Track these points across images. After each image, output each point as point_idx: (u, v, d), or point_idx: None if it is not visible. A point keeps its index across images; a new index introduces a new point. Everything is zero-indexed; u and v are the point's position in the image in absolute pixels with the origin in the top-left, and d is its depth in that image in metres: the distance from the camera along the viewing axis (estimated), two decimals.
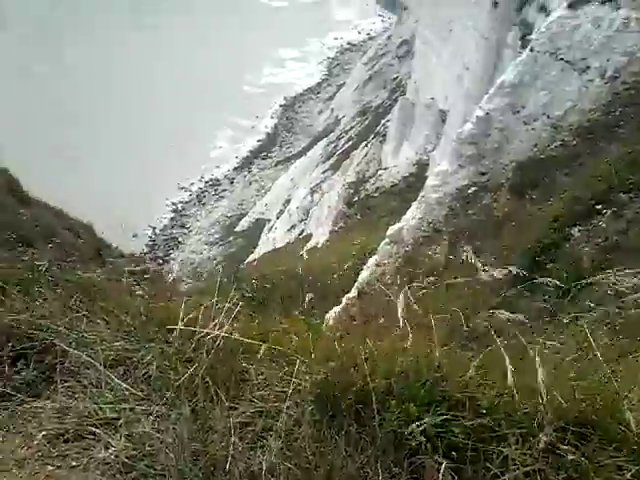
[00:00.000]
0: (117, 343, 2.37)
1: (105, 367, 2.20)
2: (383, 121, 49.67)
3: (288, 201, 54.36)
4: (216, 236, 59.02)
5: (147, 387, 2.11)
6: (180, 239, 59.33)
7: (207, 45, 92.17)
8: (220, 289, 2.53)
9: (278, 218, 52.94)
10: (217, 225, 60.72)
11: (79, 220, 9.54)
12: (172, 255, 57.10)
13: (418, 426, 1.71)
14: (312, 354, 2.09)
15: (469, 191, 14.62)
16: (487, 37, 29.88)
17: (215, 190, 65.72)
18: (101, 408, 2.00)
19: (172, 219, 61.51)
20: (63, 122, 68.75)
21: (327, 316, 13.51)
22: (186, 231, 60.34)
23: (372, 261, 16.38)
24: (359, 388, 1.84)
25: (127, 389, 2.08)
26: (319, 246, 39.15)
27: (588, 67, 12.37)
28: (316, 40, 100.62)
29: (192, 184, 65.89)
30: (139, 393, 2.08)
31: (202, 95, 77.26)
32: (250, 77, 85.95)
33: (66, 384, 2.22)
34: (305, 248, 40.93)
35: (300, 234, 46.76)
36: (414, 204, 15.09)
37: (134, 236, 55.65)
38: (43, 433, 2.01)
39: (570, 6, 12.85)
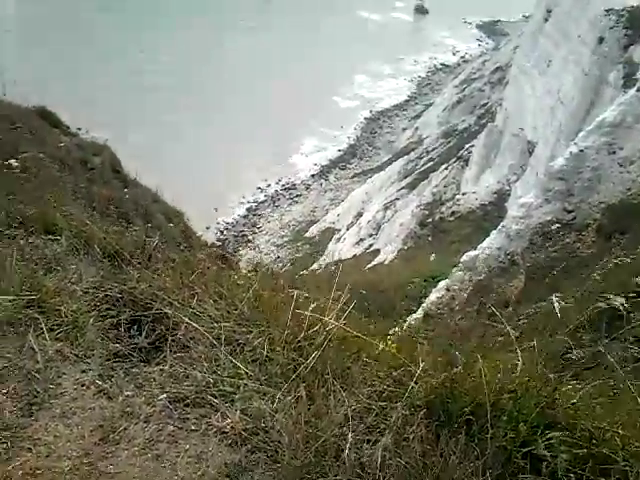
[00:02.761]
0: (227, 324, 2.45)
1: (213, 345, 2.28)
2: (467, 145, 49.09)
3: (360, 214, 54.36)
4: (285, 239, 59.63)
5: (255, 368, 2.18)
6: (250, 237, 60.20)
7: (303, 52, 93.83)
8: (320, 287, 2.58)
9: (348, 229, 53.01)
10: (287, 228, 61.33)
11: (172, 206, 9.90)
12: (240, 252, 58.03)
13: (527, 446, 1.69)
14: (417, 361, 2.10)
15: (552, 227, 14.21)
16: (587, 73, 29.10)
17: (290, 194, 66.45)
18: (220, 380, 2.08)
19: (245, 217, 62.50)
20: (160, 109, 71.18)
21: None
22: (257, 230, 61.21)
23: (442, 285, 16.17)
24: (471, 400, 1.84)
25: (238, 366, 2.16)
26: (386, 263, 38.99)
27: None
28: (410, 58, 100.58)
29: (269, 185, 66.82)
30: (250, 372, 2.15)
31: (292, 100, 78.48)
32: (341, 88, 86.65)
33: (176, 354, 2.33)
34: (372, 263, 40.86)
35: (368, 248, 46.67)
36: (493, 233, 14.78)
37: (207, 228, 56.95)
38: (165, 395, 2.13)
39: None
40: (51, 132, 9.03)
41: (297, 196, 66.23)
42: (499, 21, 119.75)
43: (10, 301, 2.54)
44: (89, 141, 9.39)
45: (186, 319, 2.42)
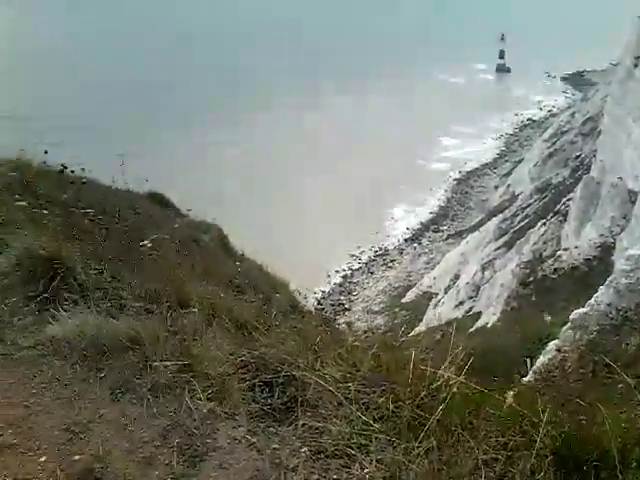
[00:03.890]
0: (350, 384, 2.62)
1: (340, 404, 2.46)
2: (564, 200, 47.76)
3: (457, 276, 53.45)
4: (381, 305, 59.26)
5: (382, 424, 2.30)
6: (346, 305, 60.30)
7: (387, 118, 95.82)
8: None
9: (446, 293, 52.12)
10: (383, 295, 61.02)
11: (278, 277, 10.36)
12: (338, 321, 58.10)
13: None
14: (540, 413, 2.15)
15: None
16: None
17: (384, 260, 66.46)
18: (354, 434, 2.23)
19: (340, 285, 62.83)
20: (253, 186, 74.33)
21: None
22: (352, 298, 61.27)
23: (552, 346, 15.56)
24: (598, 448, 1.86)
25: (367, 422, 2.30)
26: (489, 326, 37.90)
27: None
28: (495, 116, 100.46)
29: (362, 252, 67.23)
30: (379, 428, 2.28)
31: (380, 167, 79.77)
32: (428, 151, 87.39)
33: (307, 413, 2.52)
34: (474, 326, 39.79)
35: (468, 311, 45.60)
36: (601, 288, 14.22)
37: (304, 298, 57.57)
38: (306, 448, 2.34)
39: None
40: (164, 214, 9.80)
41: (391, 261, 66.17)
42: (584, 72, 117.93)
43: (166, 367, 2.94)
44: (198, 220, 10.11)
45: (313, 381, 2.60)
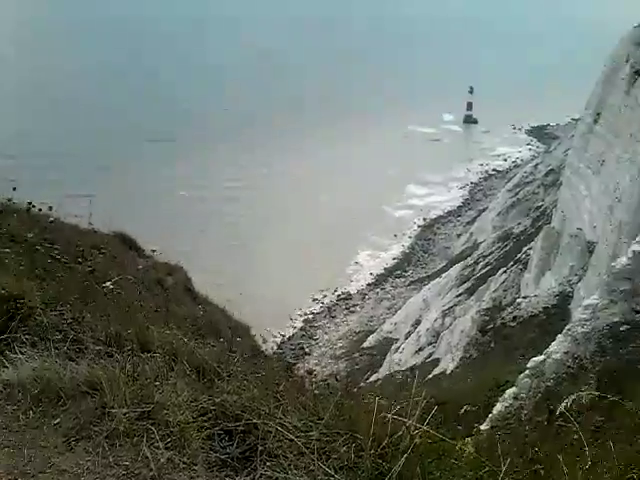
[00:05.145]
0: (312, 433, 2.59)
1: (302, 453, 2.42)
2: (524, 249, 48.74)
3: (418, 322, 53.70)
4: (342, 350, 58.94)
5: (342, 476, 2.28)
6: (307, 350, 59.76)
7: (355, 165, 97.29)
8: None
9: (406, 338, 52.23)
10: (344, 339, 60.75)
11: (239, 321, 10.29)
12: (297, 366, 57.49)
13: None
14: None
15: (621, 329, 13.85)
16: None
17: (346, 304, 66.42)
18: None
19: (302, 329, 62.39)
20: (217, 229, 74.33)
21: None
22: (313, 342, 60.79)
23: (509, 393, 15.66)
24: None
25: (328, 473, 2.27)
26: (448, 372, 37.95)
27: None
28: (461, 165, 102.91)
29: (325, 296, 67.12)
30: (337, 477, 2.26)
31: (346, 212, 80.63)
32: (394, 198, 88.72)
33: (267, 464, 2.47)
34: (432, 373, 39.80)
35: (428, 357, 45.69)
36: (559, 337, 14.49)
37: (263, 342, 56.96)
38: None
39: None
40: (129, 255, 9.68)
41: (353, 306, 66.15)
42: (548, 125, 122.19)
43: (124, 414, 2.84)
44: (163, 262, 10.02)
45: (274, 429, 2.56)
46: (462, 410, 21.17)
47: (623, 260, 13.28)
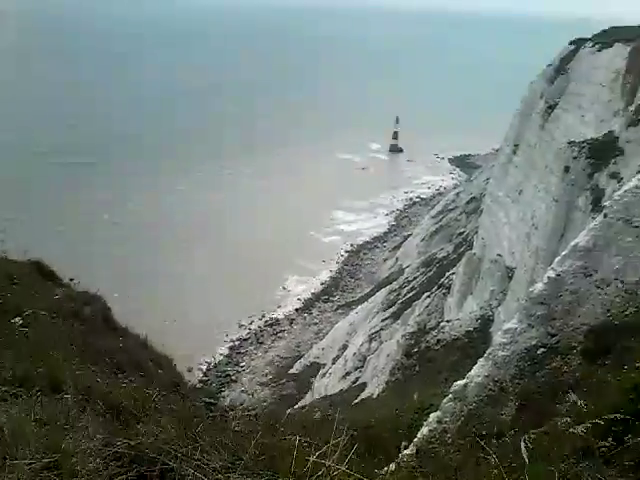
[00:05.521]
0: (231, 474, 2.49)
1: None
2: (447, 273, 49.96)
3: (345, 347, 53.93)
4: (269, 377, 58.34)
5: None
6: (234, 377, 58.80)
7: (286, 193, 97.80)
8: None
9: (333, 363, 52.31)
10: (271, 366, 60.17)
11: (161, 352, 9.98)
12: (224, 393, 56.38)
13: None
14: None
15: (538, 352, 14.31)
16: (558, 200, 30.47)
17: (274, 330, 65.96)
18: None
19: (228, 356, 61.38)
20: (141, 255, 72.66)
21: (383, 471, 12.98)
22: (240, 369, 59.89)
23: (433, 417, 15.87)
24: None
25: None
26: (374, 396, 38.17)
27: None
28: (387, 193, 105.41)
29: (252, 322, 66.47)
30: None
31: (275, 239, 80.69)
32: (322, 225, 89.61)
33: None
34: (359, 397, 39.92)
35: (355, 382, 45.86)
36: (480, 361, 14.78)
37: (189, 370, 55.66)
38: None
39: None
40: (46, 285, 9.23)
41: (281, 331, 65.77)
42: (469, 155, 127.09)
43: (28, 464, 2.55)
44: (81, 291, 9.60)
45: (191, 472, 2.46)
46: (387, 435, 21.30)
47: (539, 286, 13.78)
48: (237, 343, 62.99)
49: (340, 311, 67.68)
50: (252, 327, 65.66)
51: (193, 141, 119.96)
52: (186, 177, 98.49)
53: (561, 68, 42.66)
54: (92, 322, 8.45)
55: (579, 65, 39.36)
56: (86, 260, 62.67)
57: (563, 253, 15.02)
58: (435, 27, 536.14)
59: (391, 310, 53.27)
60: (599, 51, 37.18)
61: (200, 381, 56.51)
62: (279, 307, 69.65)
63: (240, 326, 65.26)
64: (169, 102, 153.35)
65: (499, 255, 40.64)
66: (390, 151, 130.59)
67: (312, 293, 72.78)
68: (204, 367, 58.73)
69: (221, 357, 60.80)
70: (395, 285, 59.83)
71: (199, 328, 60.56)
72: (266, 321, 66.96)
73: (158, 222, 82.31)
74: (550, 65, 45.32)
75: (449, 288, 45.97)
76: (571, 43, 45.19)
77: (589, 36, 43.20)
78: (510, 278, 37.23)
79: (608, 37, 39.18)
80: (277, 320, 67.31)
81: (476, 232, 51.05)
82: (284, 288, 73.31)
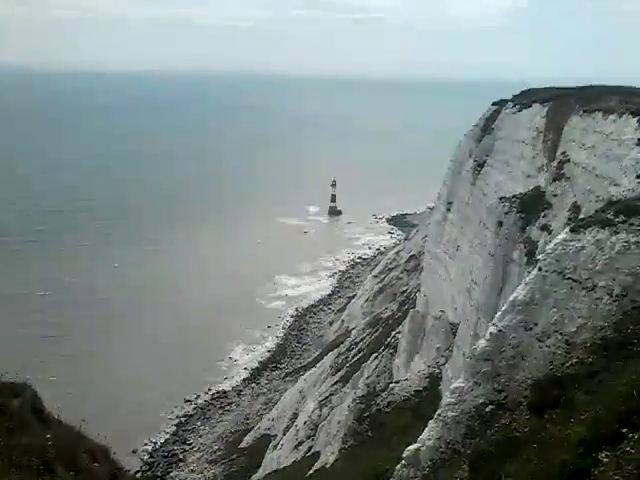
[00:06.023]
0: None
1: None
2: (393, 333, 49.96)
3: (296, 415, 52.70)
4: (218, 453, 56.17)
5: None
6: (181, 456, 56.34)
7: (225, 258, 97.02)
8: None
9: (285, 434, 50.91)
10: (220, 441, 58.02)
11: (97, 442, 9.35)
12: (171, 474, 53.91)
13: None
14: None
15: (486, 409, 14.27)
16: (493, 254, 31.10)
17: (221, 403, 64.01)
18: None
19: (174, 434, 58.97)
20: (73, 335, 70.18)
21: None
22: (187, 447, 57.49)
23: None
24: None
25: None
26: (328, 466, 37.16)
27: (595, 286, 12.80)
28: (329, 255, 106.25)
29: (197, 397, 64.42)
30: None
31: (217, 308, 79.48)
32: (264, 291, 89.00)
33: None
34: (313, 468, 38.80)
35: (308, 452, 44.64)
36: (430, 423, 14.66)
37: (133, 452, 53.21)
38: None
39: (572, 230, 13.62)
40: None
41: (228, 404, 63.90)
42: (406, 214, 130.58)
43: None
44: (8, 382, 8.91)
45: None
46: None
47: (482, 342, 13.85)
48: (183, 420, 60.77)
49: (289, 378, 66.51)
50: (198, 402, 63.64)
51: (128, 213, 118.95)
52: (123, 249, 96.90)
53: (486, 128, 44.54)
54: (20, 417, 7.85)
55: (503, 124, 41.16)
56: (18, 344, 60.30)
57: (503, 308, 15.16)
58: (354, 93, 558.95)
59: (340, 374, 52.64)
60: (520, 111, 39.06)
61: (146, 463, 53.97)
62: (225, 379, 67.97)
63: (186, 401, 63.17)
64: (96, 172, 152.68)
65: (442, 311, 40.96)
66: (329, 213, 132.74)
67: (259, 362, 71.49)
68: (149, 447, 56.21)
69: (167, 436, 58.41)
70: (342, 348, 59.37)
71: (143, 407, 58.39)
72: (212, 394, 65.06)
73: (94, 297, 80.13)
74: (476, 125, 47.31)
75: (396, 348, 45.86)
76: (494, 104, 47.46)
77: (509, 97, 45.46)
78: (454, 334, 37.45)
79: (526, 98, 41.31)
80: (224, 392, 65.50)
81: (418, 290, 51.54)
82: (230, 358, 71.80)
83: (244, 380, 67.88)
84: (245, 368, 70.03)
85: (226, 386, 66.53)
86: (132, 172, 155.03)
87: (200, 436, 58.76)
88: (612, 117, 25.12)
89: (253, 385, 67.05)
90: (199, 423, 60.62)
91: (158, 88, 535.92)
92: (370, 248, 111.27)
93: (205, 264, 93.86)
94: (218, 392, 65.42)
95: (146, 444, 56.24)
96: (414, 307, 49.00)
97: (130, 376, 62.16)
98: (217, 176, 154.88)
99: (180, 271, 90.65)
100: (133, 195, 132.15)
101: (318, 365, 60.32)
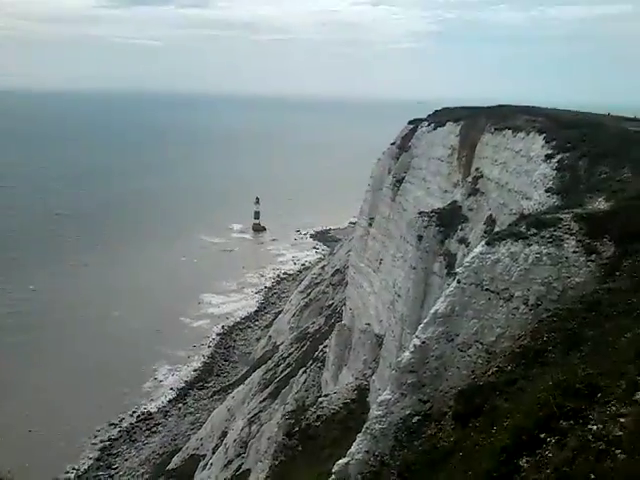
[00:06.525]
0: None
1: None
2: (321, 347, 50.22)
3: (225, 434, 52.02)
4: (146, 476, 54.64)
5: None
6: None
7: (148, 277, 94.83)
8: None
9: (214, 453, 50.13)
10: (147, 464, 56.45)
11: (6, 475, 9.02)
12: None
13: None
14: None
15: (413, 420, 14.62)
16: (415, 267, 31.89)
17: (147, 425, 62.35)
18: None
19: (98, 459, 56.89)
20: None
21: None
22: (113, 472, 55.59)
23: None
24: None
25: None
26: None
27: (512, 296, 13.39)
28: (254, 272, 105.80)
29: (122, 419, 62.50)
30: None
31: (142, 327, 77.66)
32: (190, 309, 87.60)
33: None
34: None
35: (238, 470, 44.11)
36: (359, 436, 14.88)
37: None
38: None
39: (488, 243, 14.17)
40: None
41: (155, 425, 62.33)
42: (330, 229, 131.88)
43: None
44: None
45: None
46: None
47: (407, 354, 14.21)
48: (108, 444, 58.77)
49: (216, 397, 65.58)
50: (123, 425, 61.74)
51: (45, 234, 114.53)
52: (40, 271, 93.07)
53: (403, 145, 45.91)
54: None
55: (419, 142, 42.53)
56: None
57: (425, 320, 15.62)
58: (273, 111, 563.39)
59: (268, 390, 52.39)
60: (434, 129, 40.49)
61: None
62: (151, 400, 66.29)
63: (110, 425, 61.17)
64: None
65: (368, 324, 41.57)
66: (253, 230, 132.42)
67: (185, 381, 70.15)
68: (72, 475, 54.01)
69: (91, 461, 56.30)
70: (270, 364, 59.15)
71: (64, 433, 56.22)
72: (138, 416, 63.30)
73: (7, 323, 76.54)
74: (393, 143, 48.65)
75: (324, 361, 46.12)
76: (410, 122, 48.96)
77: (424, 116, 47.05)
78: (380, 346, 38.05)
79: (440, 117, 42.89)
80: (150, 414, 63.85)
81: (344, 303, 52.12)
82: (155, 379, 70.12)
83: (170, 401, 66.41)
84: (171, 388, 68.55)
85: (152, 407, 64.89)
86: (47, 193, 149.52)
87: (126, 459, 57.00)
88: (521, 135, 26.45)
89: (180, 405, 65.70)
90: (125, 446, 58.78)
91: (62, 107, 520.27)
92: (295, 264, 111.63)
93: (127, 284, 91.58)
94: (143, 414, 63.73)
95: (68, 472, 54.07)
96: (340, 320, 49.49)
97: (51, 403, 59.75)
98: (137, 195, 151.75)
99: (101, 292, 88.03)
100: (47, 217, 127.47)
101: (246, 382, 59.82)
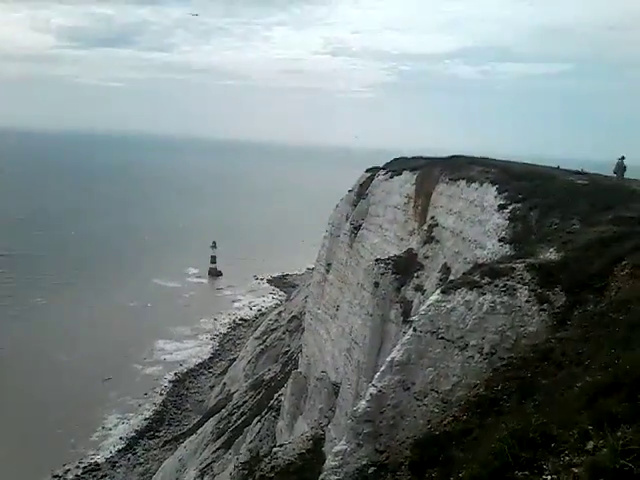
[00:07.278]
0: None
1: None
2: (276, 395, 49.48)
3: None
4: None
5: None
6: None
7: (97, 322, 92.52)
8: None
9: None
10: None
11: None
12: None
13: None
14: None
15: (369, 471, 14.48)
16: (372, 314, 31.98)
17: (94, 476, 59.83)
18: None
19: None
20: None
21: None
22: None
23: None
24: None
25: None
26: None
27: (467, 345, 13.50)
28: (209, 317, 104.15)
29: (67, 471, 59.86)
30: None
31: (91, 375, 75.37)
32: (141, 355, 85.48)
33: None
34: None
35: None
36: None
37: None
38: None
39: (443, 292, 14.31)
40: None
41: (102, 477, 59.86)
42: (287, 275, 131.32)
43: None
44: None
45: None
46: None
47: (363, 403, 14.12)
48: None
49: (168, 447, 63.55)
50: (68, 476, 59.06)
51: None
52: None
53: (361, 193, 46.56)
54: None
55: (376, 190, 43.20)
56: None
57: (382, 368, 15.59)
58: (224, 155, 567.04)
59: (222, 440, 51.10)
60: (391, 178, 41.25)
61: None
62: (99, 450, 63.79)
63: (54, 477, 58.47)
64: None
65: (324, 372, 41.22)
66: (209, 275, 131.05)
67: (135, 430, 67.88)
68: None
69: None
70: (224, 412, 57.86)
71: None
72: (84, 467, 60.69)
73: None
74: (351, 190, 49.34)
75: (279, 410, 45.37)
76: (367, 171, 49.84)
77: (381, 165, 47.95)
78: (337, 394, 37.70)
79: (397, 166, 43.81)
80: (97, 465, 61.33)
81: (300, 350, 51.69)
82: (103, 428, 67.69)
83: (119, 451, 64.04)
84: (120, 438, 66.19)
85: (99, 458, 62.40)
86: None
87: None
88: (475, 185, 27.17)
89: (129, 455, 63.40)
90: None
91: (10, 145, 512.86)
92: (251, 309, 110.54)
93: (74, 329, 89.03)
94: (90, 465, 61.17)
95: None
96: (296, 368, 48.98)
97: None
98: (88, 236, 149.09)
99: (46, 338, 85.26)
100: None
101: (199, 431, 58.28)
